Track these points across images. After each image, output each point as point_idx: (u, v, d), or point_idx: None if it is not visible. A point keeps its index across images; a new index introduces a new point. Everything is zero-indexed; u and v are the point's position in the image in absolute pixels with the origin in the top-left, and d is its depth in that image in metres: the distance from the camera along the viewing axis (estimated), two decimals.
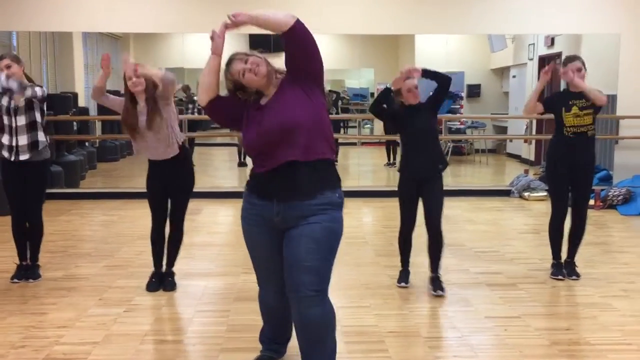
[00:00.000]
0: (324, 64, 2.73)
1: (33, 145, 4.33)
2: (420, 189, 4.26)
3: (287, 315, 2.90)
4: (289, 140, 2.58)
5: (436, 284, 4.27)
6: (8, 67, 4.18)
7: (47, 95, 4.43)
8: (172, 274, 4.41)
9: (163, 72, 4.05)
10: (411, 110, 4.25)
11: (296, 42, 2.61)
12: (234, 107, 2.77)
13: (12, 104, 4.26)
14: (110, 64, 4.16)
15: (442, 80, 4.22)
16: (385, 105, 4.33)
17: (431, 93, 4.31)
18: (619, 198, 7.33)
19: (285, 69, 2.71)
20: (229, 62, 2.74)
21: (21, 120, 4.27)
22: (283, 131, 2.58)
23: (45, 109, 4.43)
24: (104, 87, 4.16)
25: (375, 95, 5.16)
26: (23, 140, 4.29)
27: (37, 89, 4.28)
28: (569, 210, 4.62)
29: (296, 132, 2.58)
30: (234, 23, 2.66)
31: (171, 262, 4.42)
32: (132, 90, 3.99)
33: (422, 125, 4.23)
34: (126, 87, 4.02)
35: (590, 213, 6.99)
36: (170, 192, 4.25)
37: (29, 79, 4.42)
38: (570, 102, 4.39)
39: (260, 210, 2.71)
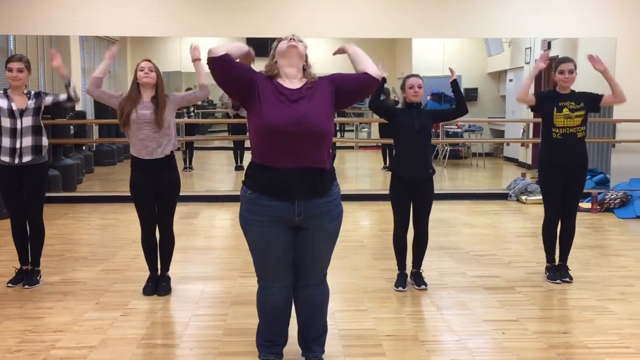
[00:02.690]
0: (321, 68, 2.98)
1: (36, 148, 4.37)
2: (413, 191, 4.32)
3: (288, 313, 3.04)
4: (318, 144, 2.78)
5: (419, 279, 4.46)
6: (20, 70, 4.29)
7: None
8: (167, 279, 4.39)
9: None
10: (412, 110, 4.31)
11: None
12: (245, 72, 2.84)
13: (15, 106, 4.27)
14: (114, 57, 4.32)
15: (461, 105, 4.46)
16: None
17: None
18: (616, 201, 7.34)
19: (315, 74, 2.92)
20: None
21: (27, 122, 4.31)
22: (318, 134, 2.77)
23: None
24: (102, 80, 4.17)
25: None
26: (27, 142, 4.32)
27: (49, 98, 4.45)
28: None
29: (325, 140, 2.81)
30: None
31: (165, 266, 4.40)
32: (141, 82, 4.10)
33: (422, 127, 4.29)
34: (135, 78, 4.13)
35: (588, 216, 7.07)
36: (159, 193, 4.23)
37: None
38: (561, 104, 4.43)
39: (278, 210, 2.78)
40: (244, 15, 7.91)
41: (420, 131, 4.29)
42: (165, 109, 4.11)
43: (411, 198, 4.36)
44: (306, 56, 2.92)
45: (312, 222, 2.82)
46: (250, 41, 8.52)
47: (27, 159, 4.32)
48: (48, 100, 4.41)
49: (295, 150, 2.72)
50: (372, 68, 2.94)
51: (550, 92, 4.57)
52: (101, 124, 9.89)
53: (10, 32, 8.26)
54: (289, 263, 2.92)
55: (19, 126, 4.29)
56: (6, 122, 4.28)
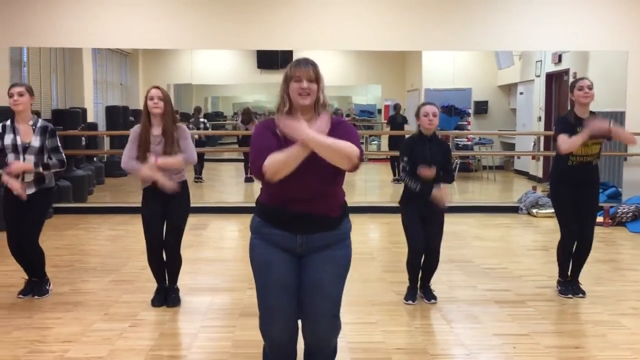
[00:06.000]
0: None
1: (39, 181, 4.37)
2: (424, 219, 4.30)
3: (294, 349, 2.84)
4: (326, 199, 2.66)
5: (428, 293, 4.45)
6: (21, 94, 4.26)
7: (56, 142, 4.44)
8: (176, 290, 4.39)
9: (182, 157, 4.17)
10: (425, 142, 4.26)
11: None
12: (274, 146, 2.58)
13: (19, 140, 4.28)
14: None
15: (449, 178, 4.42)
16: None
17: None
18: (628, 215, 7.28)
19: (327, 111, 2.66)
20: (297, 64, 2.61)
21: (30, 159, 4.29)
22: (326, 194, 2.66)
23: (61, 148, 4.45)
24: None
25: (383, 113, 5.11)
26: (30, 177, 4.32)
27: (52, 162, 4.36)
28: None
29: (335, 194, 2.70)
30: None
31: (173, 280, 4.40)
32: (151, 111, 4.16)
33: (434, 161, 4.19)
34: (145, 108, 4.19)
35: (600, 230, 7.00)
36: (168, 215, 4.24)
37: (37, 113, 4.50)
38: (579, 130, 4.27)
39: (280, 239, 2.68)
40: (253, 27, 7.95)
41: (432, 165, 4.17)
42: (174, 144, 4.15)
43: (423, 224, 4.31)
44: (317, 81, 2.60)
45: (315, 251, 2.68)
46: (260, 53, 8.60)
47: (29, 191, 4.32)
48: (49, 144, 4.36)
49: (303, 204, 2.62)
50: (345, 160, 2.51)
51: (570, 117, 4.40)
52: (112, 136, 9.97)
53: (23, 44, 8.36)
54: (292, 289, 2.69)
55: (21, 159, 4.29)
56: (12, 157, 4.29)
